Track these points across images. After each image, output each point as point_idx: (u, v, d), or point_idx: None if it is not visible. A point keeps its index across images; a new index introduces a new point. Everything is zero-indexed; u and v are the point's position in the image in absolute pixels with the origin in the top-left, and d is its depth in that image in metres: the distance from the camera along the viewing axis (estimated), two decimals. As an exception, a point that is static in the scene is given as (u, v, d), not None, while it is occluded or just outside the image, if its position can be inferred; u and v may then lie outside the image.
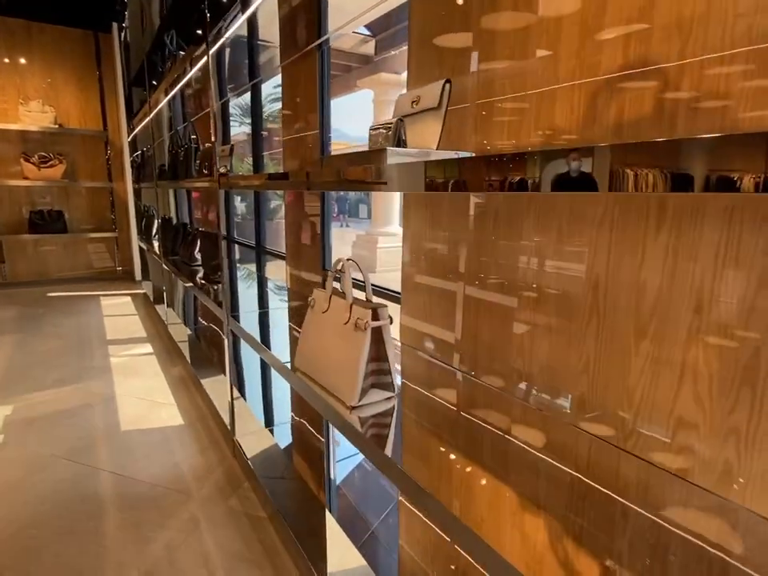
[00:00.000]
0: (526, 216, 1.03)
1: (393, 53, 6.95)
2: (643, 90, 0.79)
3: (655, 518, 0.67)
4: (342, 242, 9.60)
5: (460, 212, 1.20)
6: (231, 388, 1.84)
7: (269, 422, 2.08)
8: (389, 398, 1.01)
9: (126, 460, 1.81)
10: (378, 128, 0.92)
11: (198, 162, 2.37)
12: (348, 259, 1.06)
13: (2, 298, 4.45)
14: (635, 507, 0.70)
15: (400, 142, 0.89)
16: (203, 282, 2.27)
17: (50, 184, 4.77)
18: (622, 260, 0.86)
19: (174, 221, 3.82)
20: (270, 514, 1.50)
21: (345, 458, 1.74)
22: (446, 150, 0.93)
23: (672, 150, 0.45)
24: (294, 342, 1.47)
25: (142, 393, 2.41)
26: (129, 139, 4.54)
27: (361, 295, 1.10)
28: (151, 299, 4.23)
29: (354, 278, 1.10)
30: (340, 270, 1.12)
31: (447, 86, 0.91)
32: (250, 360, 2.45)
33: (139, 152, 4.56)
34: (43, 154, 4.63)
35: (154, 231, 4.14)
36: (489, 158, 0.65)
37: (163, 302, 3.94)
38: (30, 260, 4.96)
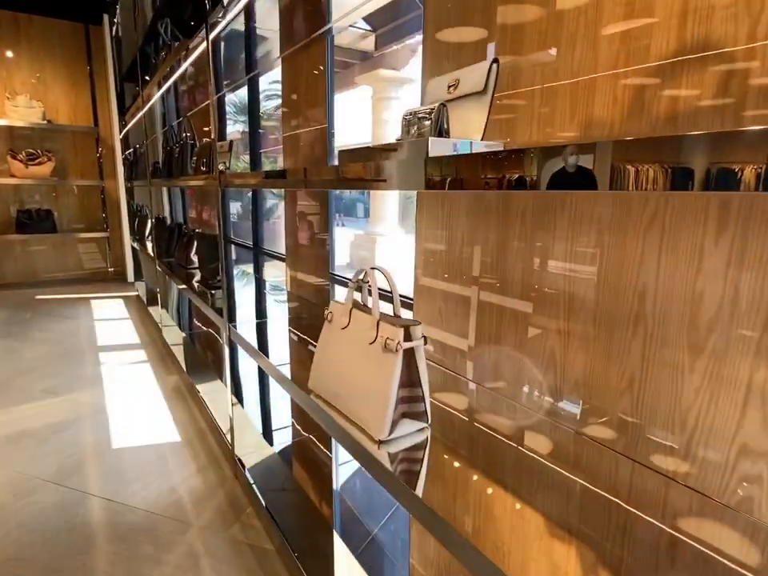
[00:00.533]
0: (560, 216, 0.92)
1: (395, 47, 6.79)
2: (702, 76, 0.67)
3: (716, 556, 0.55)
4: (339, 241, 9.48)
5: (481, 212, 1.09)
6: (231, 403, 1.70)
7: (270, 437, 1.94)
8: (421, 429, 0.88)
9: (118, 483, 1.66)
10: (414, 115, 0.79)
11: (194, 158, 2.22)
12: (374, 268, 0.93)
13: (-12, 301, 4.27)
14: (689, 542, 0.58)
15: (442, 131, 0.76)
16: (201, 286, 2.13)
17: (38, 182, 4.60)
18: (675, 267, 0.74)
19: (169, 221, 3.66)
20: (277, 547, 1.37)
21: (346, 462, 1.61)
22: (492, 140, 0.80)
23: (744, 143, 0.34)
24: (298, 353, 1.33)
25: (135, 404, 2.26)
26: (121, 136, 4.37)
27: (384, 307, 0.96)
28: (144, 302, 4.07)
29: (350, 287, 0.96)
30: (362, 280, 0.99)
31: (495, 66, 0.78)
32: (249, 367, 2.31)
33: (131, 149, 4.40)
34: (31, 150, 4.45)
35: (148, 231, 3.98)
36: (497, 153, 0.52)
37: (157, 305, 3.79)
38: (17, 261, 4.79)
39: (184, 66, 2.22)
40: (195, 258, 2.67)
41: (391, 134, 8.14)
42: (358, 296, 1.01)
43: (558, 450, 0.84)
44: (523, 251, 0.99)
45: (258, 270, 2.69)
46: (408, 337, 0.84)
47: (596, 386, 0.90)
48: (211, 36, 1.55)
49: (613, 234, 0.82)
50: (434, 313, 1.27)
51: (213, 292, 1.98)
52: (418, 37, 1.24)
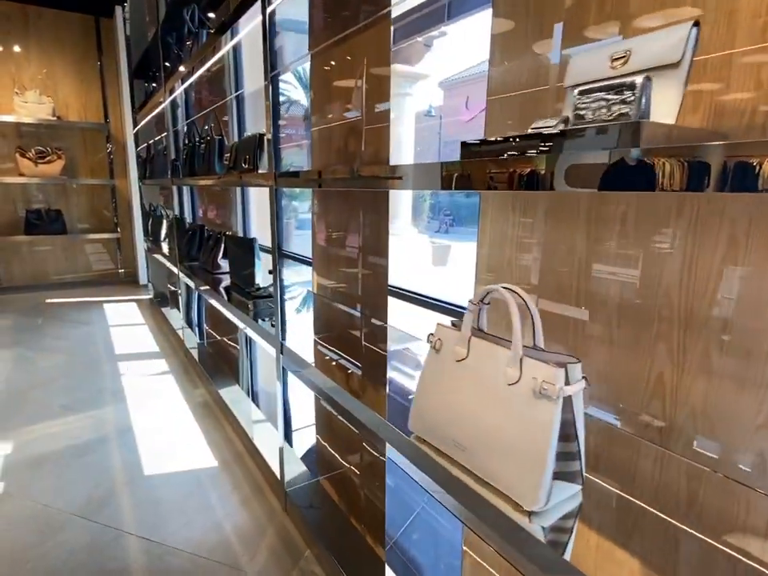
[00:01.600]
0: (677, 218, 0.77)
1: (417, 39, 6.60)
2: None
3: None
4: None
5: (564, 215, 0.93)
6: (282, 433, 1.52)
7: (318, 466, 1.77)
8: (575, 495, 0.71)
9: (155, 518, 1.49)
10: (599, 92, 0.61)
11: (227, 155, 2.05)
12: (506, 287, 0.75)
13: (-3, 305, 4.10)
14: None
15: (645, 114, 0.58)
16: (238, 295, 1.95)
17: (47, 181, 4.42)
18: None
19: (188, 221, 3.48)
20: (347, 600, 1.20)
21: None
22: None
23: None
24: (369, 384, 1.16)
25: (163, 421, 2.09)
26: (134, 131, 4.19)
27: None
28: (159, 306, 3.89)
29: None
30: (483, 302, 0.81)
31: (694, 31, 0.60)
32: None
33: (145, 146, 4.22)
34: (40, 148, 4.28)
35: (164, 233, 3.80)
36: None
37: (172, 308, 3.62)
38: (26, 263, 4.61)
39: (227, 47, 2.04)
40: (223, 263, 2.49)
41: (405, 130, 8.00)
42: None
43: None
44: (622, 261, 0.84)
45: (278, 273, 2.50)
46: (568, 379, 0.66)
47: (721, 418, 0.76)
48: (269, 9, 1.37)
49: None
50: (496, 327, 1.10)
51: (252, 303, 1.81)
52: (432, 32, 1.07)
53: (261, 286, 1.96)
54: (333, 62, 1.69)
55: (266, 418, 2.06)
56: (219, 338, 3.08)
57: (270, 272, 1.97)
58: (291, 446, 1.75)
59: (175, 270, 2.93)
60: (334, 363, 1.26)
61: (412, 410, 0.89)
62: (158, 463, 1.79)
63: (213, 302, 2.25)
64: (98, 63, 4.61)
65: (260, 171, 1.59)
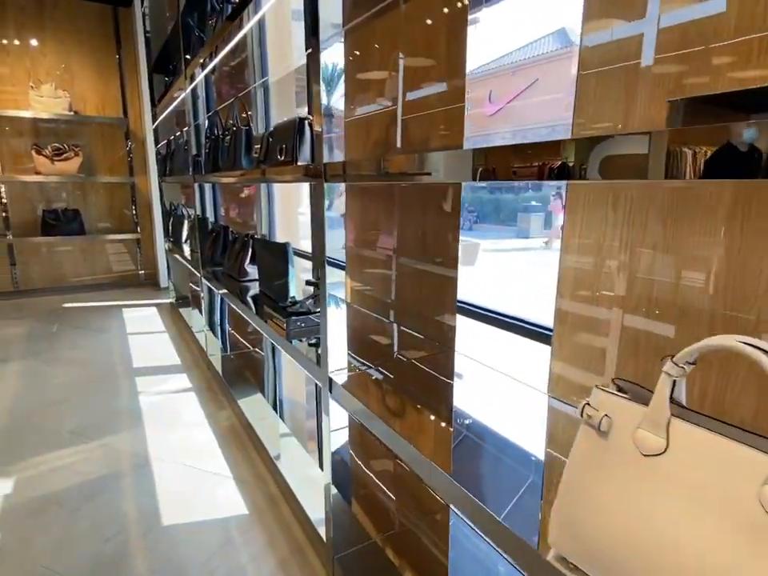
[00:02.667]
0: None
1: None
2: None
3: None
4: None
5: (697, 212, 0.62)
6: (330, 481, 1.23)
7: (363, 513, 1.48)
8: None
9: (176, 588, 1.22)
10: None
11: (258, 147, 1.77)
12: (750, 343, 0.45)
13: (12, 310, 3.92)
14: None
15: None
16: (270, 309, 1.67)
17: (64, 179, 4.22)
18: None
19: (211, 222, 3.23)
20: None
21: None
22: None
23: None
24: (438, 435, 0.86)
25: (184, 453, 1.83)
26: (154, 126, 3.96)
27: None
28: (180, 310, 3.66)
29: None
30: (689, 363, 0.51)
31: None
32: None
33: (165, 142, 3.99)
34: (57, 145, 4.08)
35: (185, 235, 3.56)
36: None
37: (192, 307, 3.38)
38: (43, 265, 4.43)
39: (245, 28, 1.76)
40: (251, 269, 2.22)
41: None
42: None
43: None
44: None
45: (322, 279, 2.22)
46: None
47: None
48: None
49: None
50: (587, 354, 0.82)
51: (288, 320, 1.52)
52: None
53: (296, 299, 1.68)
54: (372, 41, 1.39)
55: (305, 451, 1.78)
56: (245, 348, 2.82)
57: (309, 283, 1.68)
58: (348, 501, 1.46)
59: (198, 274, 2.68)
60: (375, 388, 0.97)
61: (554, 516, 0.59)
62: (179, 509, 1.52)
63: (241, 313, 1.98)
64: (116, 55, 4.39)
65: (300, 163, 1.31)
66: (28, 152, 4.11)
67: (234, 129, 2.13)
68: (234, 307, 2.04)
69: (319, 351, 1.24)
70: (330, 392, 1.13)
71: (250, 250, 2.23)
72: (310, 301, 1.62)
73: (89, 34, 4.29)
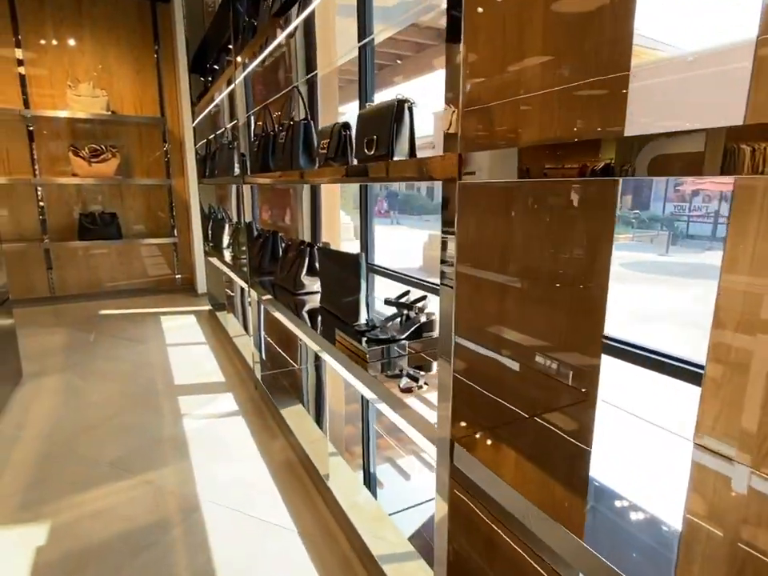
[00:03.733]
0: None
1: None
2: None
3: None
4: (404, 242, 8.55)
5: None
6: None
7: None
8: None
9: None
10: None
11: (326, 141, 1.51)
12: None
13: (49, 317, 3.79)
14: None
15: None
16: (343, 335, 1.41)
17: (101, 182, 4.08)
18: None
19: (258, 227, 3.01)
20: None
21: None
22: None
23: None
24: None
25: (238, 496, 1.59)
26: (194, 124, 3.77)
27: None
28: (219, 319, 3.46)
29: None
30: None
31: None
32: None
33: (203, 141, 3.80)
34: (94, 146, 3.94)
35: (226, 240, 3.36)
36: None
37: (227, 310, 3.16)
38: (80, 270, 4.31)
39: (309, 9, 1.51)
40: (307, 282, 1.98)
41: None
42: None
43: None
44: None
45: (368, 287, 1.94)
46: None
47: None
48: None
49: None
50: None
51: (369, 349, 1.25)
52: None
53: (374, 323, 1.41)
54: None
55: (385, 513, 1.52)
56: (296, 367, 2.58)
57: (390, 302, 1.42)
58: None
59: (244, 285, 2.45)
60: (493, 451, 0.69)
61: None
62: (237, 571, 1.27)
63: (299, 332, 1.73)
64: (154, 52, 4.24)
65: (397, 158, 1.04)
66: (65, 153, 3.98)
67: (291, 123, 1.89)
68: (290, 324, 1.79)
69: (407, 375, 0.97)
70: (452, 459, 0.85)
71: (307, 260, 1.98)
72: (393, 324, 1.35)
73: (127, 30, 4.14)
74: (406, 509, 1.59)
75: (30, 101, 3.89)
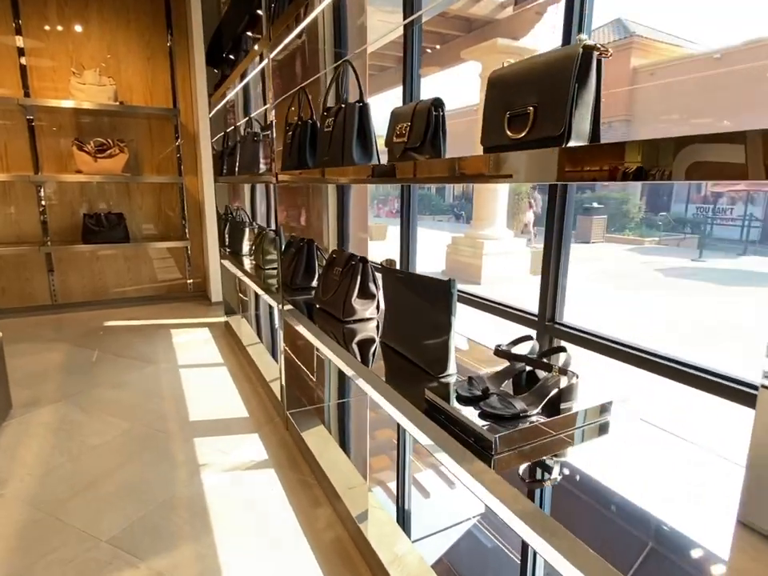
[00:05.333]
0: None
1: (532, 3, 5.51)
2: None
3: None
4: (424, 244, 8.09)
5: None
6: None
7: None
8: None
9: None
10: None
11: (405, 125, 1.11)
12: None
13: (49, 329, 3.41)
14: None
15: None
16: (435, 397, 0.99)
17: (108, 179, 3.70)
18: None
19: (288, 235, 2.61)
20: None
21: None
22: None
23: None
24: None
25: (278, 600, 1.19)
26: (210, 115, 3.37)
27: None
28: (237, 333, 3.07)
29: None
30: None
31: None
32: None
33: (221, 135, 3.41)
34: (100, 140, 3.56)
35: (246, 246, 2.97)
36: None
37: (242, 319, 2.76)
38: (84, 275, 3.93)
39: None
40: (359, 307, 1.57)
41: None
42: None
43: None
44: None
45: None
46: None
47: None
48: None
49: None
50: None
51: (500, 435, 0.84)
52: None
53: (479, 383, 0.99)
54: None
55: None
56: (333, 398, 2.18)
57: (505, 353, 1.01)
58: None
59: (274, 303, 2.05)
60: None
61: None
62: None
63: (360, 382, 1.32)
64: (167, 37, 3.85)
65: (577, 143, 0.63)
66: (68, 148, 3.60)
67: (343, 106, 1.49)
68: (342, 364, 1.38)
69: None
70: None
71: (359, 279, 1.58)
72: (505, 384, 0.93)
73: (137, 12, 3.75)
74: (432, 534, 1.52)
75: (31, 90, 3.52)
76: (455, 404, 0.92)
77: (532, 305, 1.43)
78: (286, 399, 2.02)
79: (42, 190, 3.68)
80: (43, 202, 3.69)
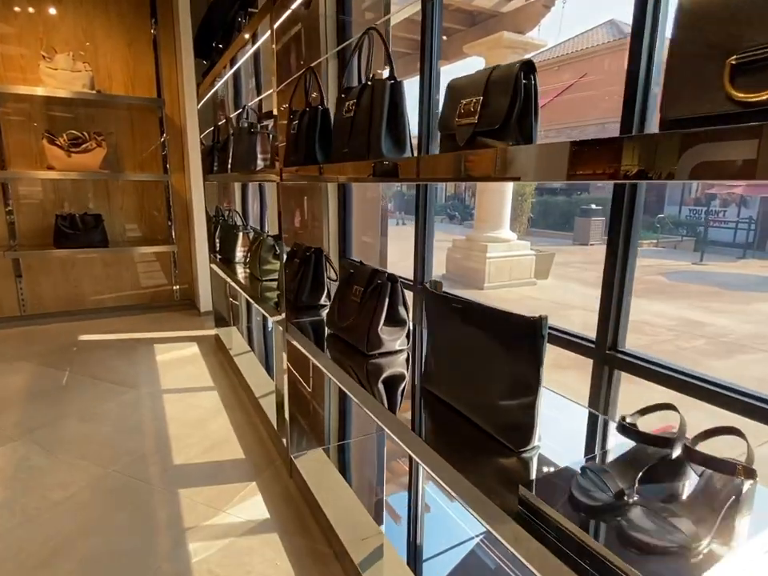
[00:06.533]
0: None
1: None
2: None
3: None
4: (401, 240, 7.73)
5: None
6: None
7: None
8: None
9: None
10: None
11: (480, 100, 0.79)
12: None
13: (14, 345, 3.04)
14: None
15: None
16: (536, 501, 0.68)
17: (84, 176, 3.34)
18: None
19: (296, 244, 2.29)
20: None
21: None
22: None
23: None
24: None
25: None
26: (199, 106, 3.02)
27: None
28: (230, 350, 2.73)
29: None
30: None
31: None
32: None
33: (211, 129, 3.06)
34: (75, 133, 3.19)
35: (239, 252, 2.63)
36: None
37: (232, 328, 2.42)
38: (56, 283, 3.55)
39: None
40: (386, 337, 1.25)
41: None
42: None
43: None
44: None
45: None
46: None
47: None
48: None
49: None
50: None
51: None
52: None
53: (597, 479, 0.68)
54: None
55: None
56: (357, 435, 1.86)
57: (637, 434, 0.69)
58: None
59: (278, 325, 1.72)
60: None
61: None
62: None
63: (415, 457, 1.00)
64: (150, 22, 3.49)
65: None
66: (38, 142, 3.23)
67: (370, 83, 1.18)
68: (376, 419, 1.06)
69: None
70: None
71: (387, 302, 1.25)
72: (693, 526, 0.62)
73: (117, -6, 3.39)
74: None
75: (-5, 76, 3.15)
76: (567, 510, 0.61)
77: (539, 310, 1.11)
78: (290, 439, 1.69)
79: (9, 188, 3.29)
80: (10, 202, 3.31)
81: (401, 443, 0.94)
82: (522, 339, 0.80)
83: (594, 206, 11.57)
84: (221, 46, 2.79)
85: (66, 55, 3.09)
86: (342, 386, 1.21)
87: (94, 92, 3.21)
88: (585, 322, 4.57)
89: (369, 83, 1.18)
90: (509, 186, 6.46)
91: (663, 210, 13.83)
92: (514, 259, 6.43)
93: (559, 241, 11.79)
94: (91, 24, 3.36)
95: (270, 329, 2.97)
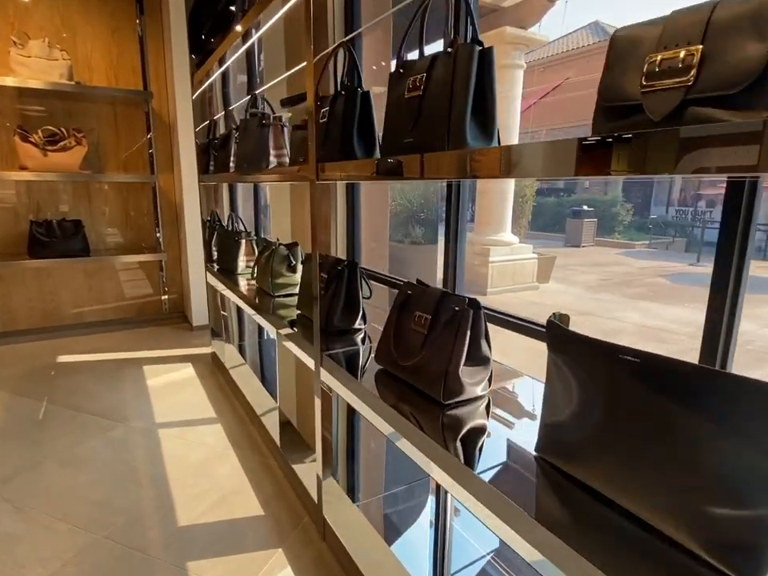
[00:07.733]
0: None
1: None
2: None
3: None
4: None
5: None
6: None
7: None
8: None
9: None
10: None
11: (695, 53, 0.51)
12: None
13: (-17, 369, 2.68)
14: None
15: None
16: None
17: (62, 177, 2.98)
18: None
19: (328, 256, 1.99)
20: None
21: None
22: None
23: None
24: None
25: None
26: (193, 97, 2.69)
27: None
28: (230, 372, 2.41)
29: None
30: None
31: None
32: None
33: (206, 123, 2.74)
34: (51, 129, 2.84)
35: (241, 262, 2.33)
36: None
37: (227, 343, 2.09)
38: (31, 296, 3.19)
39: None
40: (467, 380, 0.97)
41: (512, 116, 6.36)
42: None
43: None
44: None
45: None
46: None
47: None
48: None
49: None
50: None
51: None
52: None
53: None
54: None
55: None
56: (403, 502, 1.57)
57: None
58: None
59: (305, 356, 1.42)
60: None
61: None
62: None
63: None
64: (135, 7, 3.15)
65: None
66: (9, 139, 2.87)
67: (450, 52, 0.90)
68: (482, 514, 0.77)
69: None
70: None
71: (469, 335, 0.97)
72: None
73: (97, -24, 3.05)
74: None
75: (-41, 64, 2.78)
76: None
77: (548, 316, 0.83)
78: (321, 496, 1.39)
79: (-24, 190, 2.93)
80: (-23, 207, 2.95)
81: (520, 543, 0.66)
82: (755, 413, 0.52)
83: (585, 207, 11.45)
84: (212, 40, 2.50)
85: (41, 41, 2.74)
86: (409, 450, 0.92)
87: (72, 83, 2.86)
88: (602, 329, 4.35)
89: (449, 50, 0.90)
90: (510, 188, 6.25)
91: (650, 210, 13.80)
92: (517, 263, 6.21)
93: (550, 242, 11.64)
94: (68, 9, 3.01)
95: (267, 339, 2.66)
